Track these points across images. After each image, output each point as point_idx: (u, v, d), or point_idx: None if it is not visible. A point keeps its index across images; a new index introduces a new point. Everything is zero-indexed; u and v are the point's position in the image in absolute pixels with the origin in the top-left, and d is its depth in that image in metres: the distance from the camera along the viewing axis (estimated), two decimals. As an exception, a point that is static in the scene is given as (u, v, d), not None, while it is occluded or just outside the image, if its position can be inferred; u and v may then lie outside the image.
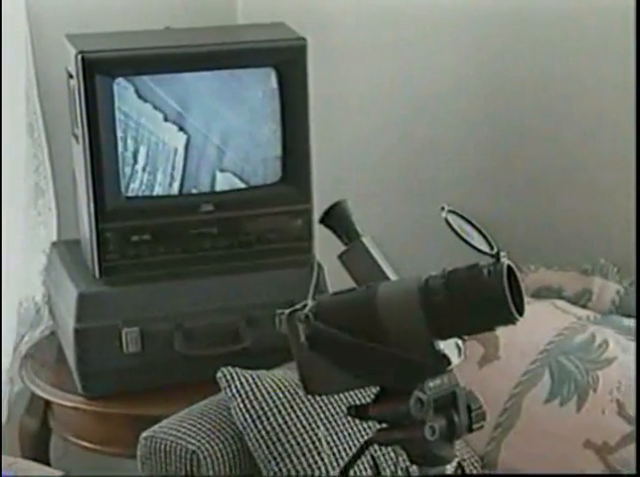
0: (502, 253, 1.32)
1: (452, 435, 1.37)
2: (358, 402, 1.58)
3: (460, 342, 1.38)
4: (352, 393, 1.90)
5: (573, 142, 2.40)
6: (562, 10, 2.32)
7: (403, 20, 2.52)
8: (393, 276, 1.42)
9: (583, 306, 2.23)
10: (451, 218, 1.34)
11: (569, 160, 2.41)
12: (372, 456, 1.45)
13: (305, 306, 1.37)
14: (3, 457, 2.06)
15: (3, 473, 1.94)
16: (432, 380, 1.35)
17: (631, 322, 2.13)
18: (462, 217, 1.35)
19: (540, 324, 2.12)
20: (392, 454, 1.84)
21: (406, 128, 2.57)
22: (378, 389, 1.37)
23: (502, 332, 2.05)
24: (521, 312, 1.31)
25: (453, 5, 2.45)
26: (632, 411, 1.98)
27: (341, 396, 1.95)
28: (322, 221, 1.47)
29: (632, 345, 2.06)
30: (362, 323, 1.34)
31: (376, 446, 1.41)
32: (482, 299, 1.30)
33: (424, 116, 2.55)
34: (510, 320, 1.31)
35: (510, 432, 2.04)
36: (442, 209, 1.34)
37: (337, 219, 1.46)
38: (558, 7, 2.33)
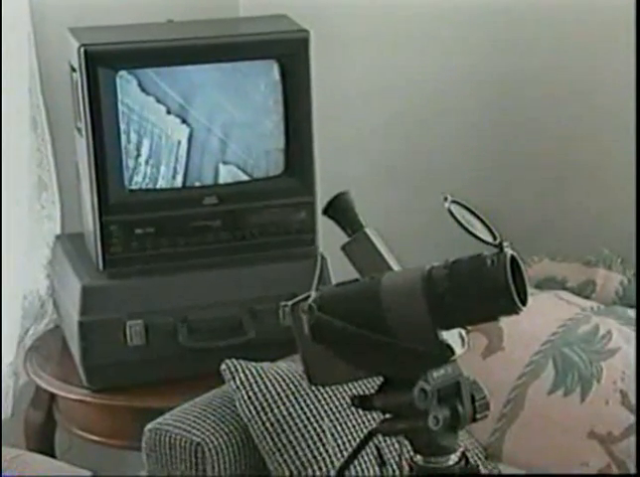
0: (505, 243, 1.32)
1: (456, 425, 1.37)
2: (362, 393, 1.58)
3: (464, 332, 1.38)
4: (356, 383, 1.90)
5: (577, 134, 2.40)
6: (565, 5, 2.32)
7: (405, 12, 2.52)
8: (396, 267, 1.42)
9: (587, 297, 2.23)
10: (454, 208, 1.34)
11: (573, 152, 2.41)
12: (376, 446, 1.45)
13: (309, 297, 1.37)
14: (9, 450, 2.06)
15: (4, 473, 1.95)
16: (436, 370, 1.35)
17: (635, 313, 2.13)
18: (465, 207, 1.35)
19: (543, 315, 2.12)
20: (396, 444, 1.84)
21: (409, 120, 2.57)
22: (381, 379, 1.38)
23: (506, 323, 2.08)
24: (524, 302, 1.31)
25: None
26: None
27: (345, 387, 1.95)
28: (325, 212, 1.47)
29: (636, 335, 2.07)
30: (365, 314, 1.34)
31: (380, 437, 1.41)
32: (485, 289, 1.30)
33: (427, 108, 2.55)
34: (513, 310, 1.31)
35: (514, 423, 2.04)
36: (445, 199, 1.34)
37: (340, 210, 1.46)
38: (561, 1, 2.33)
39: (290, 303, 1.39)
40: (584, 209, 2.40)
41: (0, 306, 2.36)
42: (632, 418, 1.97)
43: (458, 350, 1.36)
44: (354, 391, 1.91)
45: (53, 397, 2.38)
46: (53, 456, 2.41)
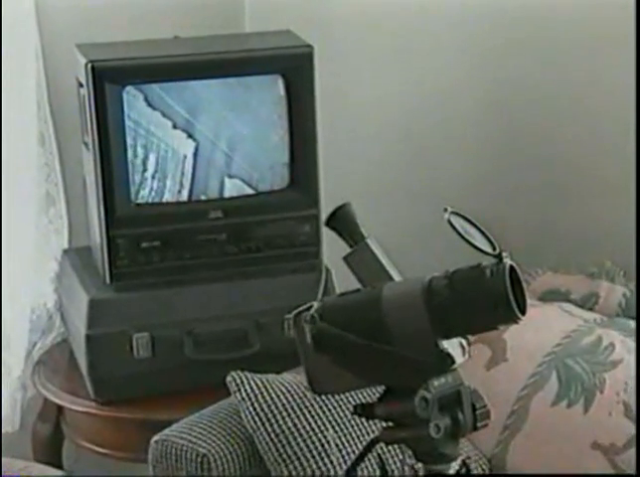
0: (504, 254, 1.34)
1: (457, 433, 1.38)
2: (364, 402, 1.59)
3: (464, 341, 1.40)
4: (360, 394, 1.92)
5: (579, 145, 2.41)
6: (565, 10, 2.33)
7: (408, 26, 2.53)
8: (397, 277, 1.44)
9: (590, 309, 2.23)
10: (454, 219, 1.35)
11: (575, 163, 2.42)
12: (378, 455, 1.46)
13: (311, 307, 1.39)
14: (16, 462, 2.07)
15: (5, 474, 1.96)
16: (437, 379, 1.37)
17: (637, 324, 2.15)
18: (465, 218, 1.37)
19: (547, 327, 2.13)
20: (398, 452, 1.85)
21: (412, 132, 2.59)
22: (383, 388, 1.39)
23: (509, 335, 2.09)
24: (523, 311, 1.33)
25: (458, 12, 2.46)
26: (639, 413, 1.99)
27: (350, 398, 1.96)
28: (327, 223, 1.49)
29: (638, 347, 2.08)
30: (367, 323, 1.36)
31: (382, 445, 1.43)
32: (485, 299, 1.32)
33: (429, 121, 2.56)
34: (512, 319, 1.33)
35: (518, 434, 2.04)
36: (445, 210, 1.35)
37: (342, 221, 1.48)
38: (560, 7, 2.33)
39: (293, 313, 1.41)
40: (587, 222, 2.41)
41: (3, 319, 2.38)
42: (635, 429, 1.98)
43: (459, 359, 1.37)
44: (359, 401, 1.92)
45: (60, 409, 2.39)
46: (60, 468, 2.42)
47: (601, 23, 2.29)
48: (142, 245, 2.24)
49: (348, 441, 1.95)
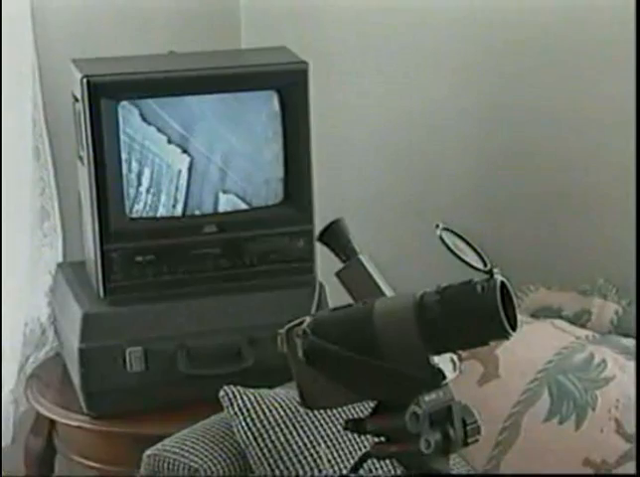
0: (495, 270, 1.34)
1: (448, 449, 1.38)
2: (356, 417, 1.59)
3: (455, 357, 1.40)
4: (352, 409, 1.92)
5: (573, 162, 2.41)
6: (563, 21, 2.34)
7: (404, 44, 2.54)
8: (389, 293, 1.44)
9: (582, 326, 2.24)
10: (446, 235, 1.36)
11: (569, 180, 2.42)
12: (370, 470, 1.47)
13: (303, 322, 1.39)
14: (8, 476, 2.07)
15: None
16: (428, 394, 1.37)
17: (629, 342, 2.15)
18: (456, 234, 1.38)
19: (539, 343, 2.13)
20: (390, 468, 1.85)
21: (406, 148, 2.60)
22: (374, 403, 1.40)
23: (501, 351, 2.09)
24: (514, 327, 1.33)
25: (455, 31, 2.48)
26: (630, 430, 1.99)
27: (342, 413, 1.96)
28: (320, 238, 1.49)
29: (630, 364, 2.08)
30: (358, 338, 1.36)
31: (374, 460, 1.43)
32: (476, 314, 1.32)
33: (424, 136, 2.57)
34: (503, 335, 1.33)
35: (509, 451, 2.04)
36: (437, 227, 1.36)
37: (334, 237, 1.48)
38: (559, 18, 2.34)
39: (285, 328, 1.41)
40: (580, 238, 2.42)
41: (1, 333, 2.38)
42: (626, 446, 1.98)
43: (449, 374, 1.38)
44: (350, 416, 1.92)
45: (53, 423, 2.39)
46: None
47: (601, 27, 2.29)
48: (136, 260, 2.25)
49: (340, 456, 1.95)
